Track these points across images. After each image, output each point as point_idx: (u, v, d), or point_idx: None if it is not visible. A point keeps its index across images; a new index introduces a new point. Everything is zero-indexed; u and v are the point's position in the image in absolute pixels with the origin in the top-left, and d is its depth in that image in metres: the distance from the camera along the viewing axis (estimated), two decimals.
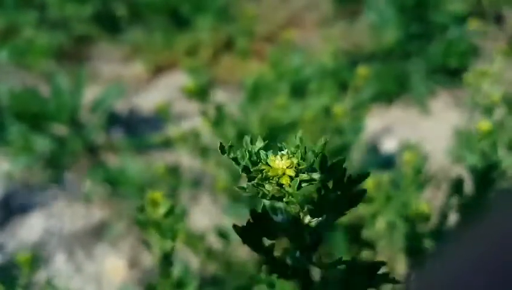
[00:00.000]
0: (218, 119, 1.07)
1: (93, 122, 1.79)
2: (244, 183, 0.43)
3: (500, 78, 1.14)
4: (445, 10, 1.90)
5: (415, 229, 1.11)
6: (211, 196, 1.58)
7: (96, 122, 1.78)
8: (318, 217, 0.45)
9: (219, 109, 1.07)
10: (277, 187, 0.41)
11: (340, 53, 1.83)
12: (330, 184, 0.44)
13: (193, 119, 1.73)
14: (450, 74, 1.87)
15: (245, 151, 0.42)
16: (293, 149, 0.42)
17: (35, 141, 1.66)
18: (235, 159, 0.41)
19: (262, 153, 0.42)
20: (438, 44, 1.88)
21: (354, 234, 1.22)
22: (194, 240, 1.25)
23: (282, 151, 0.42)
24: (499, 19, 2.06)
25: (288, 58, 1.58)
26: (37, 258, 0.95)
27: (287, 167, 0.40)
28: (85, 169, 1.70)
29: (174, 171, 1.56)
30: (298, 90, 1.48)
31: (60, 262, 1.46)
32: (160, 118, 1.47)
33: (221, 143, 0.41)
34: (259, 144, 0.43)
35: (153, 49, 2.11)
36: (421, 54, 1.89)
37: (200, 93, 1.06)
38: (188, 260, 1.29)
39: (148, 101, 2.03)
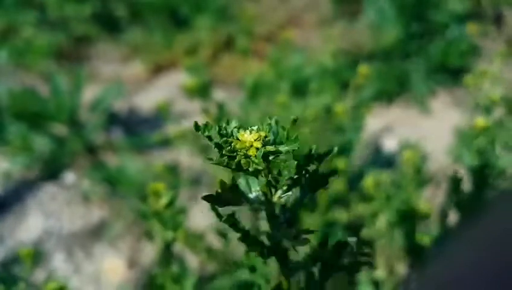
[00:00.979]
0: (219, 117, 1.07)
1: (92, 122, 1.79)
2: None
3: (499, 79, 1.14)
4: (445, 9, 1.90)
5: (414, 228, 1.10)
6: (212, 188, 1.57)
7: (95, 122, 1.78)
8: (286, 192, 0.47)
9: (220, 107, 1.07)
10: (245, 159, 0.43)
11: (340, 53, 1.83)
12: (301, 159, 0.47)
13: (193, 118, 1.73)
14: (450, 73, 1.87)
15: (218, 128, 0.44)
16: (265, 126, 0.45)
17: (35, 141, 1.66)
18: (209, 137, 0.44)
19: (235, 131, 0.45)
20: (438, 43, 1.88)
21: (354, 233, 1.22)
22: (194, 239, 1.24)
23: (252, 127, 0.44)
24: (498, 19, 2.06)
25: (288, 58, 1.58)
26: (38, 255, 0.95)
27: (255, 140, 0.43)
28: (84, 169, 1.70)
29: (173, 170, 1.56)
30: (299, 90, 1.48)
31: (58, 261, 1.46)
32: (159, 117, 1.46)
33: (195, 122, 0.44)
34: (234, 124, 0.45)
35: (152, 49, 2.11)
36: (421, 53, 1.89)
37: (201, 91, 1.06)
38: (188, 259, 1.28)
39: (147, 100, 2.03)
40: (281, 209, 0.49)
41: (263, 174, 0.45)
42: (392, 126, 1.81)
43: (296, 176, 0.46)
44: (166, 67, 2.14)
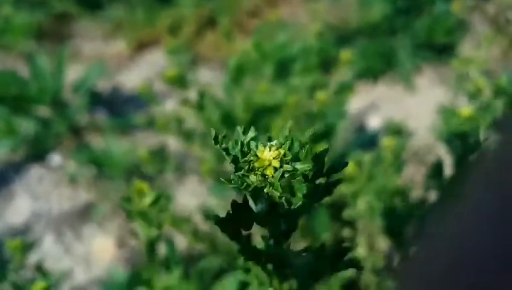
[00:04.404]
0: (201, 104, 1.07)
1: (76, 103, 1.77)
2: (228, 166, 0.44)
3: (486, 64, 1.14)
4: None
5: (394, 210, 1.13)
6: (198, 176, 1.59)
7: (79, 103, 1.76)
8: (295, 206, 0.46)
9: (202, 94, 1.07)
10: (261, 178, 0.41)
11: (327, 29, 1.81)
12: (310, 174, 0.45)
13: (177, 97, 1.72)
14: (436, 49, 1.87)
15: (236, 142, 0.42)
16: (281, 140, 0.42)
17: (18, 124, 1.64)
18: (225, 150, 0.42)
19: (252, 143, 0.42)
20: (424, 20, 1.87)
21: (336, 213, 1.25)
22: (180, 221, 1.26)
23: (271, 143, 0.42)
24: None
25: (273, 36, 1.56)
26: (26, 242, 0.96)
27: (274, 158, 0.41)
28: (70, 150, 1.70)
29: (159, 152, 1.57)
30: (283, 70, 1.48)
31: (48, 243, 1.47)
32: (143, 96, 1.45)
33: (216, 134, 0.42)
34: (251, 134, 0.43)
35: (134, 26, 2.07)
36: (408, 29, 1.88)
37: (180, 80, 1.05)
38: (175, 240, 1.31)
39: (131, 79, 2.01)
40: (284, 220, 0.48)
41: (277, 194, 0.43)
42: (376, 104, 1.82)
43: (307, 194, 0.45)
44: (149, 45, 2.11)
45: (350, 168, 1.10)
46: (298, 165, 0.42)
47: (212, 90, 1.30)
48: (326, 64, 1.62)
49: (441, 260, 0.28)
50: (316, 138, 1.21)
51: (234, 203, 0.43)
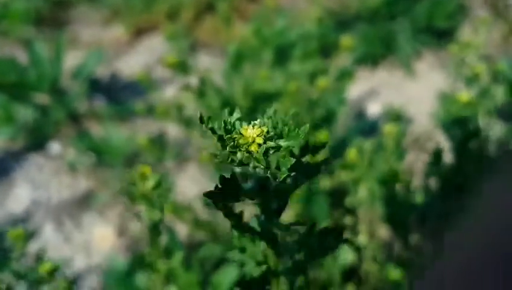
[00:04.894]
0: (202, 91, 1.06)
1: (75, 90, 1.76)
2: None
3: (485, 49, 1.13)
4: None
5: (395, 197, 1.13)
6: (198, 163, 1.58)
7: (78, 90, 1.75)
8: (280, 179, 0.48)
9: (202, 81, 1.06)
10: (246, 154, 0.44)
11: (326, 14, 1.79)
12: (296, 150, 0.49)
13: (177, 84, 1.71)
14: (436, 34, 1.85)
15: (222, 122, 0.45)
16: (266, 119, 0.46)
17: (17, 111, 1.64)
18: (212, 129, 0.44)
19: (237, 123, 0.46)
20: (424, 4, 1.85)
21: (337, 201, 1.25)
22: (181, 209, 1.26)
23: (255, 121, 0.45)
24: None
25: (271, 21, 1.54)
26: (27, 232, 0.96)
27: (257, 135, 0.44)
28: (69, 138, 1.69)
29: (159, 139, 1.56)
30: (282, 56, 1.46)
31: (48, 232, 1.48)
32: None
33: (200, 114, 0.44)
34: (237, 115, 0.46)
35: (132, 12, 2.05)
36: (408, 14, 1.86)
37: (181, 66, 1.04)
38: (176, 228, 1.31)
39: (129, 65, 1.99)
40: (275, 197, 0.50)
41: (262, 169, 0.46)
42: (376, 90, 1.81)
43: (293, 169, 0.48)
44: (148, 30, 2.09)
45: (351, 155, 1.10)
46: (282, 142, 0.45)
47: (211, 76, 1.29)
48: (326, 50, 1.60)
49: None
50: (317, 125, 1.20)
51: (222, 177, 0.46)
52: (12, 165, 1.64)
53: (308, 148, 0.50)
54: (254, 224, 0.52)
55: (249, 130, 0.44)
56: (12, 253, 0.94)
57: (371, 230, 1.19)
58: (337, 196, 1.26)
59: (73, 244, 1.46)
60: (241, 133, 0.44)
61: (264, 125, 0.45)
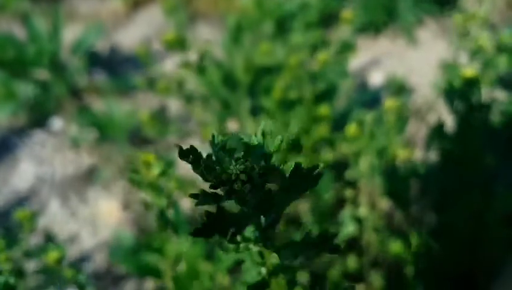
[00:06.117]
0: (202, 68, 1.05)
1: (74, 65, 1.75)
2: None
3: (488, 19, 1.11)
4: None
5: (395, 170, 1.14)
6: (200, 138, 1.59)
7: (77, 65, 1.74)
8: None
9: (202, 56, 1.05)
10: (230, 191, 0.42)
11: None
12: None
13: (177, 57, 1.70)
14: (439, 1, 1.82)
15: (204, 159, 0.43)
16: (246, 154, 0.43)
17: (18, 88, 1.63)
18: (193, 164, 0.43)
19: (220, 154, 0.43)
20: None
21: (338, 174, 1.26)
22: (185, 184, 1.27)
23: (238, 155, 0.43)
24: None
25: None
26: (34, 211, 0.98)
27: (241, 172, 0.42)
28: (71, 113, 1.69)
29: (160, 114, 1.56)
30: (283, 27, 1.44)
31: (54, 208, 1.50)
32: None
33: (180, 148, 0.43)
34: (220, 139, 0.44)
35: None
36: None
37: (179, 42, 1.03)
38: (180, 203, 1.33)
39: (128, 38, 1.97)
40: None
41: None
42: (378, 59, 1.79)
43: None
44: (146, 2, 2.06)
45: (351, 129, 1.10)
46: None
47: (211, 49, 1.27)
48: (327, 20, 1.58)
49: None
50: (318, 98, 1.20)
51: (208, 213, 0.44)
52: (16, 141, 1.65)
53: (297, 176, 0.47)
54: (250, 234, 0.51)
55: (231, 167, 0.42)
56: (21, 233, 0.95)
57: (371, 201, 1.20)
58: (339, 169, 1.27)
59: (79, 219, 1.49)
60: (225, 171, 0.42)
61: (246, 160, 0.43)
